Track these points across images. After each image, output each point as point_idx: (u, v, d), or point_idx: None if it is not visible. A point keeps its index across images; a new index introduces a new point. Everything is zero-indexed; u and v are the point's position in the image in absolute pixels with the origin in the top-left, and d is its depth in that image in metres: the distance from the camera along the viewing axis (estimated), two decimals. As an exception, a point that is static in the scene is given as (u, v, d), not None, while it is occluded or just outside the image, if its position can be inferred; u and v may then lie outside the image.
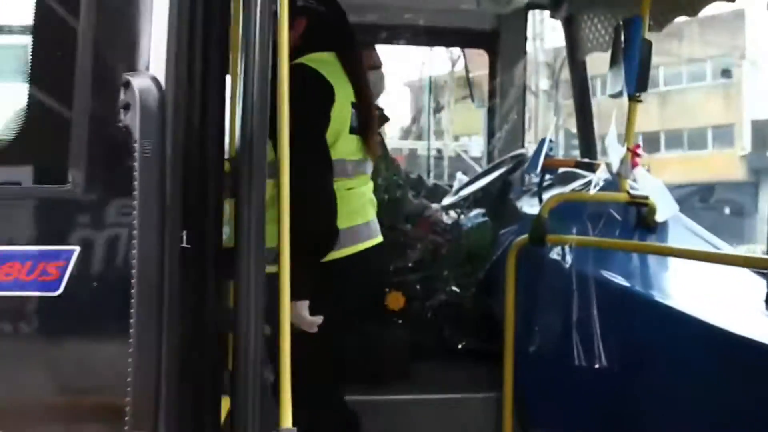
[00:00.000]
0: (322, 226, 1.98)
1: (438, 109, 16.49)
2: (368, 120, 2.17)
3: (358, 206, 2.15)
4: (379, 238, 2.23)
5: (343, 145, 2.09)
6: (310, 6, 2.10)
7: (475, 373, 2.91)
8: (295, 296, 1.48)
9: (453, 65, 13.70)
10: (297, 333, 1.61)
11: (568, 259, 2.43)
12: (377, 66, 3.13)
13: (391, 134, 17.76)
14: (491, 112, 3.94)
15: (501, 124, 3.79)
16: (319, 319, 1.95)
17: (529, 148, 3.61)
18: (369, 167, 2.25)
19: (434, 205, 3.33)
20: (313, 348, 1.87)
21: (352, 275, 2.12)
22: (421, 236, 3.13)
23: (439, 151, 14.82)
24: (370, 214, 2.21)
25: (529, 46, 6.22)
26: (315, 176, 1.95)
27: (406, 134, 16.21)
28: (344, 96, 2.10)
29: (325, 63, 2.09)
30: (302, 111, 1.56)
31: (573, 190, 2.85)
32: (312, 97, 1.97)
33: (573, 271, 2.39)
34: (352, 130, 2.12)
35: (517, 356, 2.61)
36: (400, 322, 2.98)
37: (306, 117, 1.69)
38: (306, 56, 2.06)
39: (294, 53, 1.83)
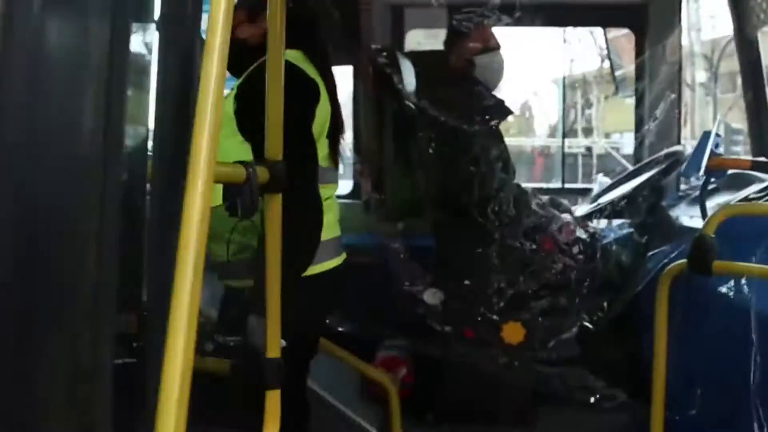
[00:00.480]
0: (315, 240, 1.76)
1: (587, 105, 15.97)
2: (339, 124, 1.97)
3: (332, 219, 1.94)
4: (344, 257, 1.99)
5: (320, 150, 1.86)
6: None
7: (614, 426, 2.42)
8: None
9: (602, 60, 13.05)
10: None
11: (744, 293, 1.80)
12: (494, 48, 2.65)
13: (539, 132, 17.31)
14: (639, 102, 3.30)
15: (650, 114, 3.14)
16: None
17: (687, 146, 2.95)
18: (336, 176, 2.04)
19: (565, 216, 2.74)
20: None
21: (319, 295, 1.87)
22: (547, 255, 2.55)
23: (588, 149, 14.36)
24: (338, 229, 2.00)
25: (684, 38, 5.49)
26: (311, 182, 1.76)
27: (553, 132, 15.80)
28: (324, 96, 1.88)
29: (299, 61, 1.86)
30: (292, 112, 1.42)
31: (747, 198, 2.19)
32: (300, 95, 1.77)
33: (752, 311, 1.76)
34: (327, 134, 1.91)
35: (668, 412, 2.01)
36: (517, 358, 2.51)
37: (298, 118, 1.66)
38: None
39: (258, 50, 1.64)
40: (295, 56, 1.84)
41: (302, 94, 1.80)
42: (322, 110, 1.86)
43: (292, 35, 1.66)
